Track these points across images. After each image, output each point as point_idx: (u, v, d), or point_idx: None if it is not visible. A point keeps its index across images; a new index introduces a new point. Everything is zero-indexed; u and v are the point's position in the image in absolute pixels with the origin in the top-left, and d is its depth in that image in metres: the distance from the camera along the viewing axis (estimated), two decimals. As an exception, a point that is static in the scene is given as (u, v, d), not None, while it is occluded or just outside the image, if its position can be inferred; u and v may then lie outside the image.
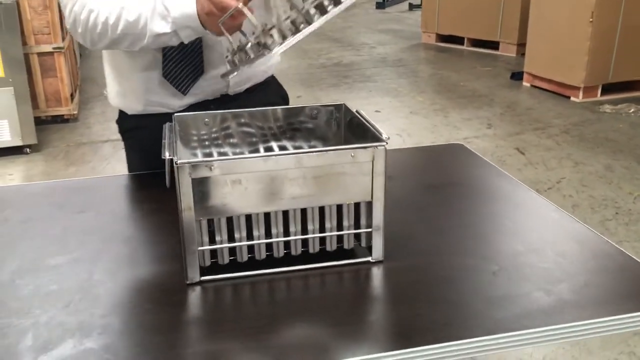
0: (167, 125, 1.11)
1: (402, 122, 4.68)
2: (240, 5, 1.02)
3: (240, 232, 1.00)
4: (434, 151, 1.69)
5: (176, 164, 0.93)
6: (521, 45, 6.26)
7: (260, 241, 1.02)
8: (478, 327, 0.89)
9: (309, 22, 0.96)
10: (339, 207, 1.03)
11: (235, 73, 1.09)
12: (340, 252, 1.06)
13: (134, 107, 1.46)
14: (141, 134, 1.46)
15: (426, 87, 5.68)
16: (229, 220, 0.99)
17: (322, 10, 0.96)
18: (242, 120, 1.20)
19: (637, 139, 4.24)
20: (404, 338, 0.88)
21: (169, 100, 1.42)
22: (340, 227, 1.04)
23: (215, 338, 0.88)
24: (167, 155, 0.96)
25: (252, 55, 1.03)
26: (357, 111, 1.14)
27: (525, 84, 5.58)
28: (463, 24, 7.11)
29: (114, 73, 1.48)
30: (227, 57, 1.12)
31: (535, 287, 0.98)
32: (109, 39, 1.24)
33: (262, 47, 1.00)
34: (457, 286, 0.99)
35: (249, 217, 1.00)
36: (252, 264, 1.03)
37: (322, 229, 1.03)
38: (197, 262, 0.99)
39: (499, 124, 4.62)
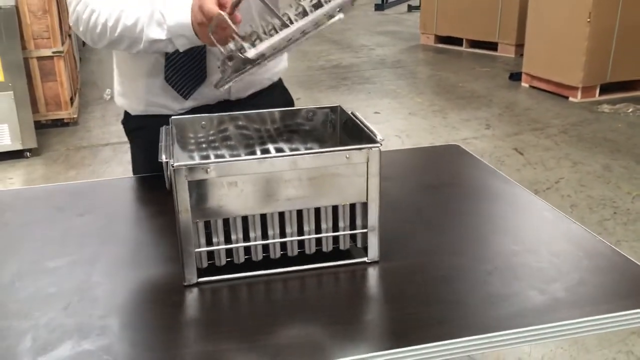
0: (164, 129, 1.12)
1: (401, 123, 4.69)
2: (224, 13, 1.03)
3: (237, 234, 1.01)
4: (430, 152, 1.70)
5: (172, 166, 0.94)
6: (519, 46, 6.28)
7: (256, 242, 1.03)
8: (473, 326, 0.90)
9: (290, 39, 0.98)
10: (335, 208, 1.04)
11: (231, 83, 1.10)
12: (336, 253, 1.07)
13: (135, 108, 1.49)
14: (144, 135, 1.47)
15: (425, 89, 5.69)
16: (226, 222, 1.00)
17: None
18: (239, 123, 1.21)
19: (635, 138, 4.25)
20: (400, 337, 0.88)
21: (170, 103, 1.44)
22: (336, 228, 1.05)
23: (212, 339, 0.89)
24: (163, 158, 0.97)
25: (240, 66, 1.03)
26: (352, 113, 1.15)
27: (524, 84, 5.59)
28: (461, 25, 7.12)
29: (119, 73, 1.51)
30: (219, 67, 1.13)
31: (530, 286, 0.99)
32: (107, 39, 1.26)
33: (243, 58, 1.01)
34: (453, 286, 1.00)
35: (245, 219, 1.01)
36: (249, 265, 1.04)
37: (318, 230, 1.04)
38: (195, 264, 1.00)
39: (498, 124, 4.63)
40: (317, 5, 0.99)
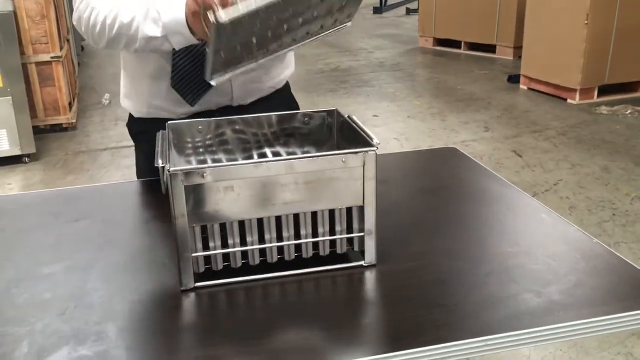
0: (160, 133, 1.12)
1: (400, 126, 4.70)
2: None
3: (234, 238, 1.01)
4: (428, 155, 1.70)
5: (169, 171, 0.94)
6: (518, 48, 6.29)
7: (253, 247, 1.02)
8: (470, 329, 0.90)
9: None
10: (331, 212, 1.04)
11: (227, 77, 1.09)
12: (334, 257, 1.07)
13: (139, 110, 1.50)
14: (147, 138, 1.48)
15: (423, 91, 5.70)
16: (222, 227, 1.00)
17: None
18: (236, 127, 1.21)
19: (633, 140, 4.25)
20: (397, 341, 0.88)
21: (173, 107, 1.44)
22: (332, 231, 1.05)
23: (209, 343, 0.89)
24: (160, 163, 0.97)
25: (231, 56, 1.03)
26: (348, 116, 1.15)
27: (522, 86, 5.60)
28: (460, 28, 7.13)
29: (125, 75, 1.52)
30: (206, 51, 1.13)
31: (527, 289, 0.99)
32: (106, 38, 1.26)
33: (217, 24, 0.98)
34: (449, 288, 1.00)
35: (242, 223, 1.01)
36: (246, 269, 1.03)
37: (314, 233, 1.04)
38: (191, 269, 1.00)
39: (496, 126, 4.63)
40: None
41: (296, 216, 1.02)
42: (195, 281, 1.01)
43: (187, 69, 1.38)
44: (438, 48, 7.44)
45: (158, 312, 0.96)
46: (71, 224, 1.25)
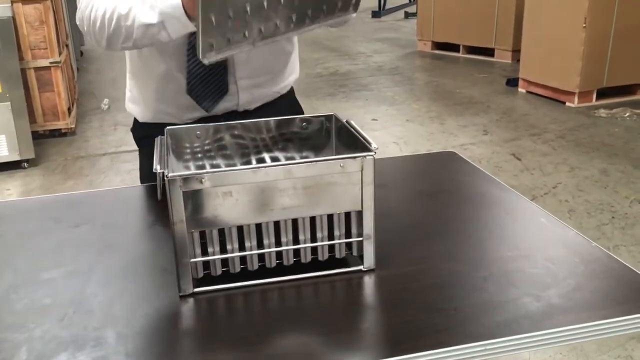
0: (159, 138, 1.12)
1: (399, 130, 4.70)
2: None
3: (233, 244, 1.01)
4: (426, 159, 1.70)
5: (167, 177, 0.94)
6: (516, 52, 6.30)
7: (252, 252, 1.02)
8: (470, 333, 0.90)
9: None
10: (330, 217, 1.04)
11: (220, 56, 1.06)
12: (332, 262, 1.07)
13: (144, 115, 1.50)
14: (151, 143, 1.48)
15: (422, 95, 5.70)
16: (221, 232, 1.00)
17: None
18: (235, 132, 1.21)
19: (632, 142, 4.26)
20: (397, 345, 0.88)
21: (179, 112, 1.45)
22: (331, 236, 1.05)
23: (209, 349, 0.89)
24: (158, 168, 0.97)
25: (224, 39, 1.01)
26: (346, 121, 1.16)
27: (521, 90, 5.60)
28: (458, 32, 7.14)
29: (131, 78, 1.53)
30: (195, 25, 1.11)
31: (526, 293, 0.99)
32: (106, 34, 1.25)
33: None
34: (449, 293, 1.00)
35: (240, 229, 1.01)
36: (245, 274, 1.03)
37: (313, 238, 1.04)
38: (190, 274, 1.00)
39: (495, 130, 4.64)
40: None
41: (295, 221, 1.02)
42: (194, 286, 1.01)
43: (203, 76, 1.39)
44: (437, 52, 7.45)
45: (157, 318, 0.96)
46: (71, 229, 1.25)
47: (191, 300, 1.00)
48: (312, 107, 5.22)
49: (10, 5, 4.01)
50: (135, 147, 1.61)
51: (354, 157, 1.00)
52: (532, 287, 1.00)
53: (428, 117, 5.01)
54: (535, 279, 1.02)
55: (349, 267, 1.07)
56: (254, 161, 1.22)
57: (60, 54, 4.42)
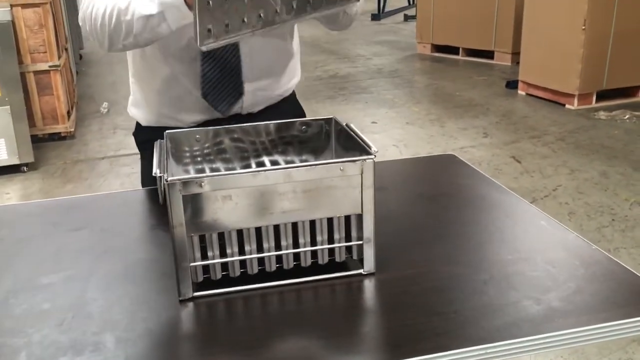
0: (158, 142, 1.12)
1: (399, 132, 4.70)
2: None
3: (232, 247, 1.01)
4: (426, 162, 1.70)
5: (166, 181, 0.94)
6: (516, 54, 6.30)
7: (252, 256, 1.02)
8: (470, 337, 0.90)
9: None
10: (330, 220, 1.03)
11: (219, 44, 1.05)
12: (332, 265, 1.07)
13: (147, 119, 1.50)
14: (153, 146, 1.48)
15: (422, 98, 5.70)
16: (221, 236, 1.00)
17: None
18: (234, 136, 1.21)
19: (632, 145, 4.26)
20: (397, 349, 0.88)
21: (182, 116, 1.45)
22: (331, 240, 1.05)
23: (208, 353, 0.89)
24: (157, 172, 0.97)
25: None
26: (346, 124, 1.15)
27: (521, 92, 5.61)
28: (458, 34, 7.15)
29: (134, 82, 1.53)
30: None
31: (526, 296, 0.98)
32: (107, 31, 1.24)
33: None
34: (449, 296, 1.00)
35: (240, 232, 1.00)
36: (245, 278, 1.03)
37: (313, 242, 1.04)
38: (190, 278, 0.99)
39: (495, 132, 4.64)
40: None
41: (294, 225, 1.02)
42: (194, 291, 1.00)
43: (217, 79, 1.39)
44: (436, 54, 7.46)
45: (157, 322, 0.96)
46: (70, 233, 1.25)
47: (191, 304, 1.00)
48: (312, 110, 5.22)
49: (9, 9, 4.01)
50: (135, 151, 1.61)
51: (354, 161, 1.00)
52: (533, 290, 1.00)
53: (428, 119, 5.01)
54: (535, 282, 1.02)
55: (349, 270, 1.06)
56: (253, 165, 1.22)
57: (59, 57, 4.43)
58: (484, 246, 1.16)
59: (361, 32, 9.19)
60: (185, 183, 0.94)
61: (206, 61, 1.39)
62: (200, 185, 0.95)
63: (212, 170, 1.20)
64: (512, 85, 5.76)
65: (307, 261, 1.06)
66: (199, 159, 1.20)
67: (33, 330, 0.93)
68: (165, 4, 1.18)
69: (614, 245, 2.90)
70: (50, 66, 4.31)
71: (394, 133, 4.68)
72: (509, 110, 5.18)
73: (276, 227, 1.01)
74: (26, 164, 4.11)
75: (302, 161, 1.22)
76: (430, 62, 7.18)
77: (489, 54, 6.92)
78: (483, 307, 0.96)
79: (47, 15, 4.25)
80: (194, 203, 0.96)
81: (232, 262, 1.02)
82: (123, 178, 3.90)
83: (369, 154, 1.01)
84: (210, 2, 0.98)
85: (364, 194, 1.01)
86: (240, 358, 0.87)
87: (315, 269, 1.06)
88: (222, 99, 1.42)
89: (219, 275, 1.03)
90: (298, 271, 1.05)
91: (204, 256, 1.01)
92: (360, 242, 1.05)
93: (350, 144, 1.11)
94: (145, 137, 1.52)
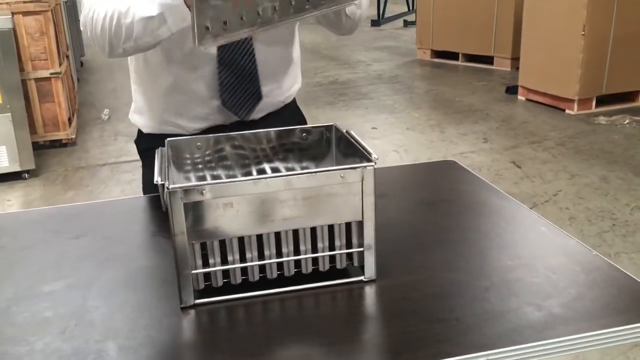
0: (159, 150, 1.12)
1: (399, 138, 4.70)
2: None
3: (234, 255, 1.01)
4: (426, 168, 1.70)
5: (168, 189, 0.94)
6: (515, 60, 6.31)
7: (253, 263, 1.02)
8: (472, 344, 0.90)
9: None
10: (331, 227, 1.04)
11: (217, 43, 1.03)
12: (333, 272, 1.07)
13: (150, 126, 1.51)
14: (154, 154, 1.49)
15: (422, 103, 5.71)
16: (222, 243, 1.00)
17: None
18: (235, 143, 1.22)
19: (632, 149, 4.26)
20: (398, 356, 0.88)
21: (185, 123, 1.45)
22: (332, 247, 1.05)
23: (209, 361, 0.89)
24: (159, 180, 0.97)
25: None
26: (346, 131, 1.16)
27: (520, 97, 5.61)
28: (457, 40, 7.16)
29: (136, 89, 1.53)
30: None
31: (527, 302, 0.98)
32: (108, 36, 1.25)
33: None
34: (450, 302, 1.00)
35: (241, 240, 1.01)
36: (246, 285, 1.03)
37: (314, 249, 1.04)
38: (191, 286, 1.00)
39: (495, 138, 4.64)
40: None
41: (295, 232, 1.02)
42: (195, 298, 1.01)
43: (235, 85, 1.40)
44: (436, 60, 7.47)
45: (159, 330, 0.96)
46: (72, 241, 1.25)
47: (192, 311, 1.00)
48: (312, 116, 5.23)
49: (11, 16, 4.02)
50: (136, 158, 1.61)
51: (355, 168, 1.00)
52: (534, 297, 1.00)
53: (428, 125, 5.01)
54: (536, 289, 1.02)
55: (350, 277, 1.07)
56: (254, 172, 1.22)
57: (60, 64, 4.44)
58: (485, 252, 1.16)
59: (361, 38, 9.21)
60: (187, 191, 0.95)
61: (223, 69, 1.40)
62: (202, 193, 0.95)
63: (213, 177, 1.20)
64: (511, 90, 5.77)
65: (308, 268, 1.06)
66: (200, 166, 1.21)
67: (35, 339, 0.93)
68: (165, 5, 1.18)
69: (614, 250, 2.90)
70: (51, 73, 4.32)
71: (394, 139, 4.69)
72: (509, 116, 5.19)
73: (277, 234, 1.02)
74: (27, 171, 4.11)
75: (302, 168, 1.23)
76: (430, 68, 7.20)
77: (489, 60, 6.93)
78: (484, 314, 0.97)
79: (48, 23, 4.27)
80: (195, 211, 0.96)
81: (234, 269, 1.02)
82: (124, 185, 3.91)
83: (370, 161, 1.01)
84: (208, 8, 0.97)
85: (364, 200, 1.02)
86: (242, 365, 0.87)
87: (316, 275, 1.06)
88: (240, 105, 1.43)
89: (220, 283, 1.03)
90: (299, 278, 1.05)
91: (205, 263, 1.01)
92: (361, 249, 1.05)
93: (351, 151, 1.12)
94: (147, 144, 1.52)
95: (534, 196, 3.57)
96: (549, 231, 1.22)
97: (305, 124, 1.62)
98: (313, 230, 1.03)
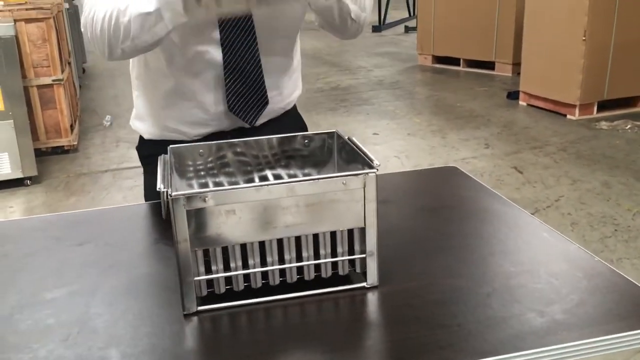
0: (162, 157, 1.13)
1: (400, 144, 4.71)
2: None
3: (236, 262, 1.02)
4: (428, 174, 1.70)
5: (170, 196, 0.94)
6: (517, 65, 6.32)
7: (255, 270, 1.03)
8: (474, 350, 0.90)
9: None
10: (333, 234, 1.04)
11: (208, 15, 1.00)
12: (336, 278, 1.07)
13: (151, 132, 1.51)
14: (157, 161, 1.49)
15: (423, 109, 5.72)
16: (224, 250, 1.01)
17: None
18: (237, 150, 1.22)
19: (633, 154, 4.26)
20: (400, 363, 0.88)
21: (186, 129, 1.46)
22: (334, 253, 1.05)
23: (212, 368, 0.89)
24: (161, 187, 0.98)
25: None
26: (348, 138, 1.16)
27: (522, 103, 5.62)
28: (458, 45, 7.18)
29: (138, 95, 1.54)
30: None
31: (529, 308, 0.98)
32: (106, 37, 1.24)
33: None
34: (452, 309, 1.00)
35: (244, 247, 1.01)
36: (248, 292, 1.04)
37: (316, 256, 1.05)
38: (194, 293, 1.00)
39: (497, 143, 4.65)
40: None
41: (298, 239, 1.02)
42: (198, 305, 1.01)
43: (241, 91, 1.41)
44: (437, 65, 7.48)
45: (161, 337, 0.96)
46: (74, 248, 1.26)
47: (195, 318, 1.00)
48: (313, 122, 5.23)
49: (13, 24, 4.04)
50: (138, 164, 1.62)
51: (357, 175, 1.00)
52: (536, 303, 1.00)
53: (429, 130, 5.02)
54: (538, 295, 1.02)
55: (352, 283, 1.07)
56: (256, 179, 1.23)
57: (62, 71, 4.45)
58: (487, 258, 1.16)
59: (362, 43, 9.23)
60: (189, 198, 0.95)
61: (229, 74, 1.40)
62: (204, 200, 0.96)
63: (216, 184, 1.21)
64: (513, 96, 5.78)
65: (310, 275, 1.06)
66: (202, 173, 1.21)
67: (38, 346, 0.93)
68: (162, 1, 1.18)
69: (617, 256, 2.90)
70: (53, 80, 4.34)
71: (396, 144, 4.69)
72: (510, 121, 5.19)
73: (279, 241, 1.02)
74: (29, 178, 4.12)
75: (304, 175, 1.23)
76: (431, 74, 7.21)
77: (490, 65, 6.94)
78: (486, 320, 0.97)
79: (51, 30, 4.28)
80: (197, 218, 0.96)
81: (236, 276, 1.03)
82: (126, 191, 3.91)
83: (372, 167, 1.02)
84: None
85: (366, 207, 1.02)
86: (245, 372, 0.87)
87: (319, 282, 1.06)
88: (249, 109, 1.44)
89: (222, 289, 1.03)
90: (301, 285, 1.05)
91: (208, 270, 1.01)
92: (363, 255, 1.05)
93: (353, 158, 1.12)
94: (149, 151, 1.53)
95: (535, 202, 3.57)
96: (551, 237, 1.22)
97: (306, 130, 1.62)
98: (315, 236, 1.03)
